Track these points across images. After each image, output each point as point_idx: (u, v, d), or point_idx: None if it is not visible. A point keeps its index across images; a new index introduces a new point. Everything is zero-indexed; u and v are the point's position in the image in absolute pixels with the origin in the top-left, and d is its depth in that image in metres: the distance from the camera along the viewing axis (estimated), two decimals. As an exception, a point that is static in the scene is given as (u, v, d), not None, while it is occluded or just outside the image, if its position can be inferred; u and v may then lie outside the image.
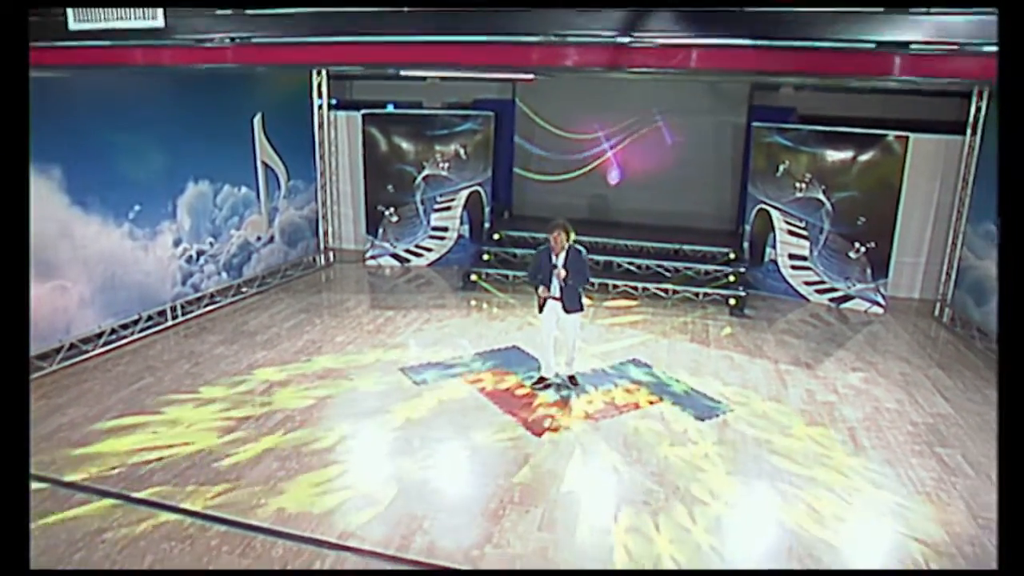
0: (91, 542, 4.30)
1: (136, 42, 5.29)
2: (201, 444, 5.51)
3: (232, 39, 5.09)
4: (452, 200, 11.02)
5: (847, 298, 9.63)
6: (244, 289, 9.47)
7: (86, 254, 7.10)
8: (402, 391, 6.59)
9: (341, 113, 11.36)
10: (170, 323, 8.18)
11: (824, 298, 9.76)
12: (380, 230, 11.12)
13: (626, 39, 4.33)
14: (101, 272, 7.32)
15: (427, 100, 11.68)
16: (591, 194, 11.11)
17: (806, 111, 10.19)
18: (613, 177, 10.97)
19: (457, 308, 9.19)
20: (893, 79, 4.39)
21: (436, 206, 11.03)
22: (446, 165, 10.87)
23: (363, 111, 10.87)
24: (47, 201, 6.57)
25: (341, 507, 4.74)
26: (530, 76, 9.38)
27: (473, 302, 9.50)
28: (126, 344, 7.52)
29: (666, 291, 9.74)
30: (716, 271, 9.73)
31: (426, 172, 10.90)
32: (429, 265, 11.18)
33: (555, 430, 5.91)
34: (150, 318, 8.00)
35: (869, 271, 9.42)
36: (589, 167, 11.09)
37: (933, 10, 3.67)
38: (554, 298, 6.47)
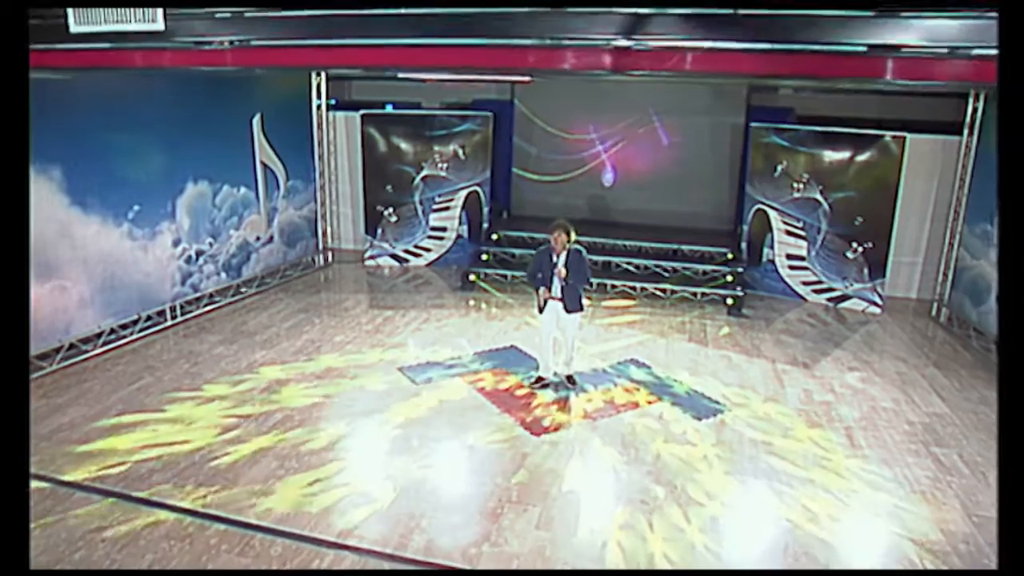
0: (91, 541, 4.32)
1: (136, 45, 5.32)
2: (200, 442, 5.53)
3: (231, 42, 5.12)
4: (451, 200, 11.04)
5: (845, 298, 9.66)
6: (243, 289, 9.49)
7: (86, 254, 7.12)
8: (401, 391, 6.62)
9: (340, 113, 11.38)
10: (169, 323, 8.20)
11: (822, 298, 9.79)
12: (379, 230, 11.14)
13: (622, 42, 4.35)
14: (101, 272, 7.34)
15: (426, 100, 11.71)
16: (590, 194, 11.14)
17: (804, 111, 10.22)
18: (607, 179, 10.99)
19: (456, 308, 9.22)
20: (885, 82, 4.40)
21: (435, 206, 11.05)
22: (445, 165, 10.90)
23: (362, 111, 10.89)
24: (47, 201, 6.59)
25: (339, 506, 4.76)
26: (526, 78, 9.40)
27: (472, 302, 9.52)
28: (125, 344, 7.54)
29: (664, 291, 9.77)
30: (714, 271, 9.76)
31: (425, 172, 10.92)
32: (428, 265, 11.20)
33: (554, 430, 5.94)
34: (149, 318, 8.02)
35: (866, 271, 9.45)
36: (588, 167, 11.12)
37: (924, 13, 3.69)
38: (556, 299, 6.50)
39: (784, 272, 9.99)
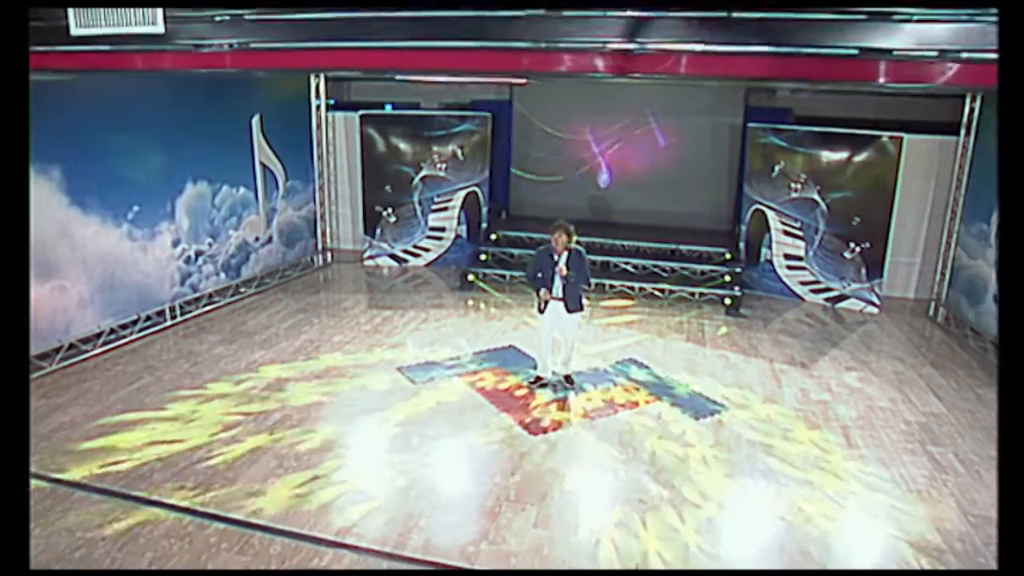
0: (91, 540, 4.34)
1: (136, 47, 5.34)
2: (199, 441, 5.55)
3: (231, 44, 5.14)
4: (449, 200, 11.06)
5: (842, 298, 9.68)
6: (242, 289, 9.50)
7: (85, 254, 7.14)
8: (400, 390, 6.64)
9: (339, 114, 11.40)
10: (169, 323, 8.22)
11: (819, 298, 9.82)
12: (378, 230, 11.16)
13: (617, 46, 4.37)
14: (100, 272, 7.36)
15: (425, 101, 11.72)
16: (588, 195, 11.16)
17: (801, 112, 10.24)
18: (603, 180, 11.01)
19: (454, 308, 9.24)
20: (879, 84, 4.43)
21: (434, 206, 11.07)
22: (444, 166, 10.91)
23: (361, 112, 10.91)
24: (47, 202, 6.61)
25: (338, 504, 4.78)
26: (522, 80, 9.43)
27: (470, 302, 9.54)
28: (125, 344, 7.56)
29: (662, 291, 9.79)
30: (712, 271, 9.78)
31: (424, 173, 10.94)
32: (427, 265, 11.22)
33: (552, 429, 5.96)
34: (149, 318, 8.04)
35: (864, 271, 9.48)
36: (586, 167, 11.14)
37: (915, 16, 3.72)
38: (557, 299, 6.52)
39: (782, 272, 10.01)
